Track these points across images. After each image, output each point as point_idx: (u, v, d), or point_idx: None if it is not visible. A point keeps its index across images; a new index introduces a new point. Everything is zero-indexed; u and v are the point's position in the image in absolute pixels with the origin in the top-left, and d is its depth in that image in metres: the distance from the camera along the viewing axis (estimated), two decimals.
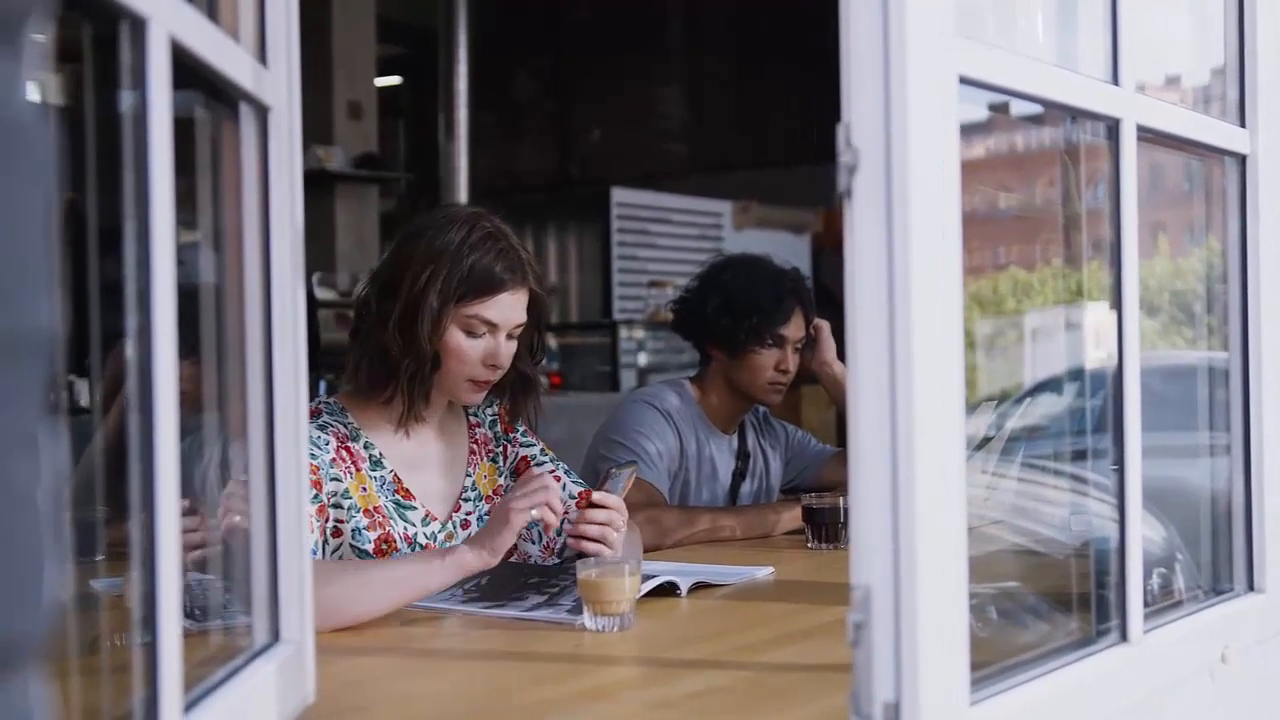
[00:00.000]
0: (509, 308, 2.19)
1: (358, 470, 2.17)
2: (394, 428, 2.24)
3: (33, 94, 0.57)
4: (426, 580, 1.95)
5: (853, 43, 1.18)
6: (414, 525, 2.20)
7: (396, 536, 2.17)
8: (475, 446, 2.36)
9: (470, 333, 2.17)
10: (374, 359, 2.18)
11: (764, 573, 2.33)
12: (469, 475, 2.32)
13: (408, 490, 2.22)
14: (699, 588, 2.16)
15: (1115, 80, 1.51)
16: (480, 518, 2.30)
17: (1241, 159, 1.80)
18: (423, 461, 2.27)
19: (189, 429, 1.11)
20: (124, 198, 1.02)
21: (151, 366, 1.01)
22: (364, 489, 2.16)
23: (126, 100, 1.02)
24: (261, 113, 1.35)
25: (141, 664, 1.02)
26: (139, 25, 1.00)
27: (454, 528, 2.27)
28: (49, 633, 0.58)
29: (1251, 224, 1.80)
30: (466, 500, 2.31)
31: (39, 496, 0.56)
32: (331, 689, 1.49)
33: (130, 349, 1.02)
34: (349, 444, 2.18)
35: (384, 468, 2.20)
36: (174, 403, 1.03)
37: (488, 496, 2.33)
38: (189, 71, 1.12)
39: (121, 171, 1.03)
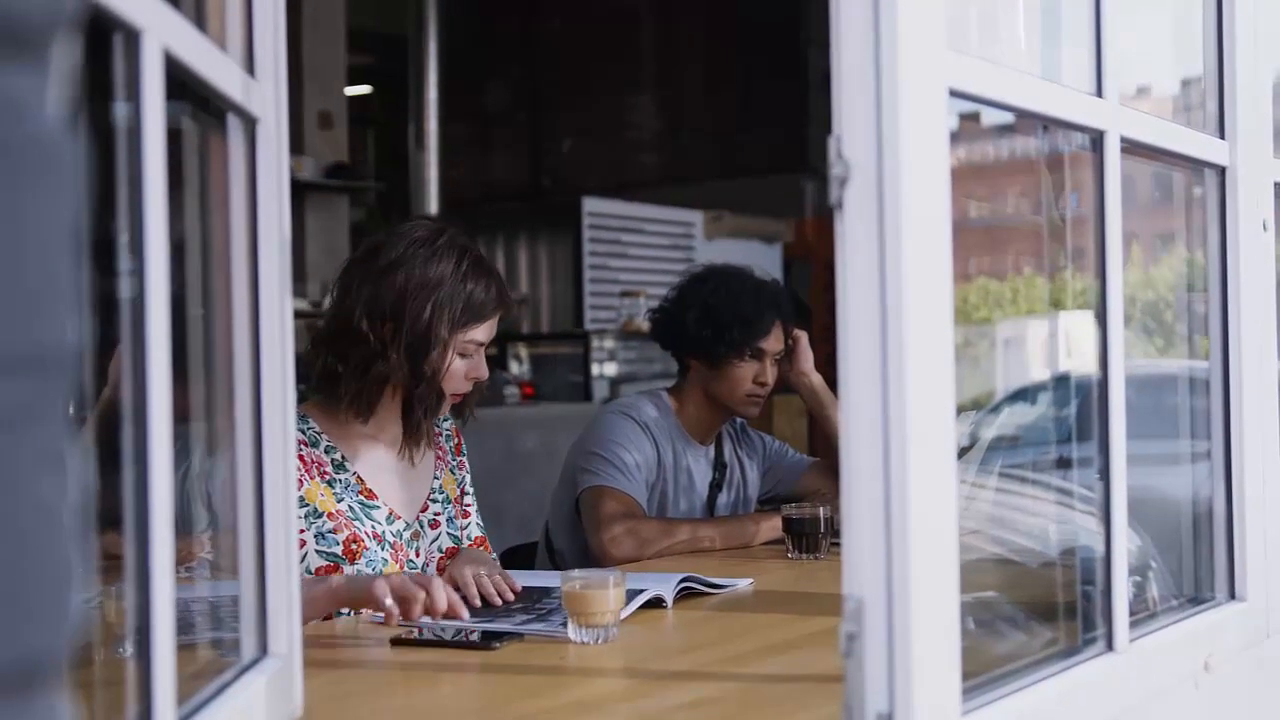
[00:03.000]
0: (494, 327, 2.32)
1: (313, 478, 2.22)
2: (375, 440, 2.31)
3: (59, 108, 0.56)
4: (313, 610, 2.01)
5: (844, 55, 1.18)
6: (380, 524, 2.26)
7: (364, 535, 2.23)
8: (440, 452, 2.44)
9: (463, 355, 2.27)
10: (375, 386, 2.23)
11: (744, 584, 2.33)
12: (436, 478, 2.40)
13: (371, 490, 2.28)
14: (685, 596, 2.16)
15: (1099, 92, 1.52)
16: (449, 519, 2.39)
17: (1221, 170, 1.82)
18: (389, 465, 2.33)
19: (173, 440, 1.10)
20: (115, 208, 1.02)
21: (145, 378, 1.00)
22: (323, 494, 2.21)
23: (119, 111, 1.02)
24: (250, 124, 1.34)
25: (135, 677, 1.01)
26: (133, 37, 0.99)
27: (421, 526, 2.34)
28: (73, 649, 0.57)
29: (1230, 235, 1.82)
30: (435, 501, 2.39)
31: (65, 513, 0.56)
32: (318, 703, 1.48)
33: (122, 361, 1.01)
34: (307, 450, 2.23)
35: (347, 470, 2.26)
36: (167, 414, 1.02)
37: (454, 500, 2.42)
38: (178, 83, 1.12)
39: (111, 181, 1.02)
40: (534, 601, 2.11)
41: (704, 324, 2.96)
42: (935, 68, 1.21)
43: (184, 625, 1.39)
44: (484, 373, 2.31)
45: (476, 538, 2.44)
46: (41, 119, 0.55)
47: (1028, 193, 1.98)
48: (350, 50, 7.85)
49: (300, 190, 7.24)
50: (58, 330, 0.56)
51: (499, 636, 1.86)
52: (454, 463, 2.46)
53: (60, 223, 0.56)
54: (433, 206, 8.26)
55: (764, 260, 7.61)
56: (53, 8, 0.56)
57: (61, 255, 0.56)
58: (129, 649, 1.09)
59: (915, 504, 1.15)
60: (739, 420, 3.17)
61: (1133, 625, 1.56)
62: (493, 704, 1.59)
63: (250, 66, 1.35)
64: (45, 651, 0.55)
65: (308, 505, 2.18)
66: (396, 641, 1.87)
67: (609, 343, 7.60)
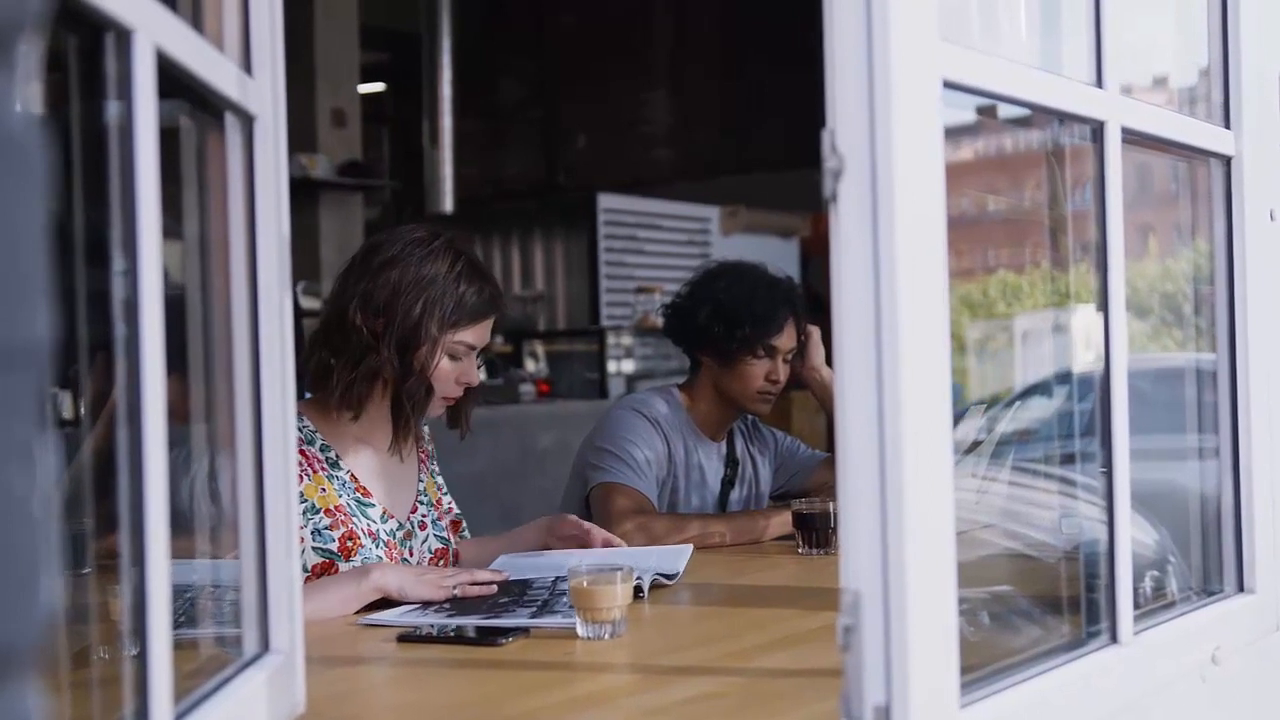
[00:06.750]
0: (487, 332, 2.35)
1: (315, 473, 2.25)
2: (365, 442, 2.34)
3: (26, 105, 0.57)
4: (345, 607, 2.05)
5: (836, 47, 1.18)
6: (374, 521, 2.29)
7: (360, 532, 2.26)
8: (423, 456, 2.49)
9: (453, 357, 2.30)
10: (366, 380, 2.27)
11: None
12: (420, 481, 2.45)
13: (365, 489, 2.31)
14: (671, 588, 2.20)
15: (1099, 83, 1.51)
16: (434, 521, 2.43)
17: (1226, 160, 1.81)
18: (380, 467, 2.36)
19: (175, 441, 1.10)
20: (109, 208, 1.02)
21: (140, 378, 1.01)
22: (323, 490, 2.25)
23: (111, 110, 1.02)
24: (247, 122, 1.35)
25: (132, 675, 1.01)
26: (125, 36, 1.00)
27: (412, 527, 2.38)
28: (44, 641, 0.58)
29: (1237, 225, 1.81)
30: (421, 503, 2.43)
31: (35, 506, 0.57)
32: (320, 700, 1.48)
33: (118, 361, 1.02)
34: (303, 448, 2.26)
35: (342, 469, 2.29)
36: (161, 414, 1.03)
37: (435, 504, 2.46)
38: (173, 81, 1.12)
39: (105, 181, 1.02)
40: (520, 595, 2.11)
41: (716, 320, 2.96)
42: (928, 59, 1.20)
43: (189, 621, 1.39)
44: (474, 378, 2.33)
45: (437, 549, 2.44)
46: (9, 116, 0.56)
47: (1045, 186, 1.97)
48: (363, 47, 7.85)
49: (314, 188, 7.25)
50: (29, 325, 0.56)
51: (505, 632, 1.86)
52: (432, 468, 2.51)
53: (31, 219, 0.56)
54: (447, 204, 8.26)
55: (781, 255, 7.61)
56: (17, 7, 0.57)
57: (33, 251, 0.56)
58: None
59: (911, 496, 1.15)
60: (750, 416, 3.17)
61: (1140, 618, 1.55)
62: (499, 699, 1.59)
63: (247, 64, 1.36)
64: (15, 641, 0.56)
65: (306, 501, 2.21)
66: (402, 638, 1.87)
67: (625, 339, 7.60)
